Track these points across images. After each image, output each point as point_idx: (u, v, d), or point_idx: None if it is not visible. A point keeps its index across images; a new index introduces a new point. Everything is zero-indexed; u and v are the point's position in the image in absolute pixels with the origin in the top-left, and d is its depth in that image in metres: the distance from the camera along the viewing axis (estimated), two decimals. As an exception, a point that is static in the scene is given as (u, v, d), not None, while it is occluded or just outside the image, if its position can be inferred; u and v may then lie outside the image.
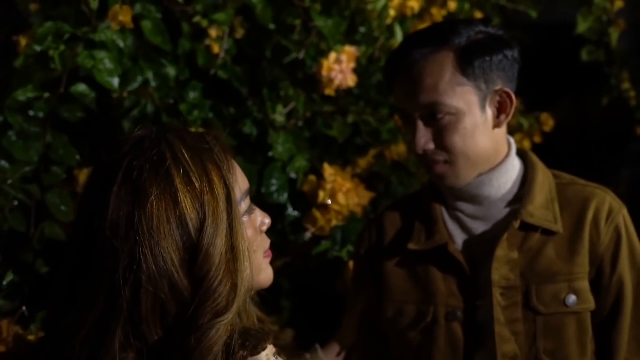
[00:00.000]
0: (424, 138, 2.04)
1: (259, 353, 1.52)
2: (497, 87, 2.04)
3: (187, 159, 1.47)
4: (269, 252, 1.62)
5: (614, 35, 3.75)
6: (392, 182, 3.11)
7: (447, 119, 2.01)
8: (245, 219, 1.55)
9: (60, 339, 1.50)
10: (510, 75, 2.07)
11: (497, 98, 2.05)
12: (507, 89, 2.05)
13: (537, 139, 3.58)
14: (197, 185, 1.46)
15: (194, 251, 1.45)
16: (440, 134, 2.03)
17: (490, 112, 2.05)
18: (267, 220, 1.60)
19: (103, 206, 1.45)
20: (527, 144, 3.56)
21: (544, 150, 2.33)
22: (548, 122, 3.58)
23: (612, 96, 3.94)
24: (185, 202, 1.44)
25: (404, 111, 2.09)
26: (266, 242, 1.61)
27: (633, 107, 3.98)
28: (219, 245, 1.46)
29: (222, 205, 1.48)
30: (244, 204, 1.56)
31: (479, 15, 3.49)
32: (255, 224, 1.59)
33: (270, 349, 1.54)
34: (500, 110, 2.06)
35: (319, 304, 3.03)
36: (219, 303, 1.45)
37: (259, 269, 1.59)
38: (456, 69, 2.01)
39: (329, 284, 2.86)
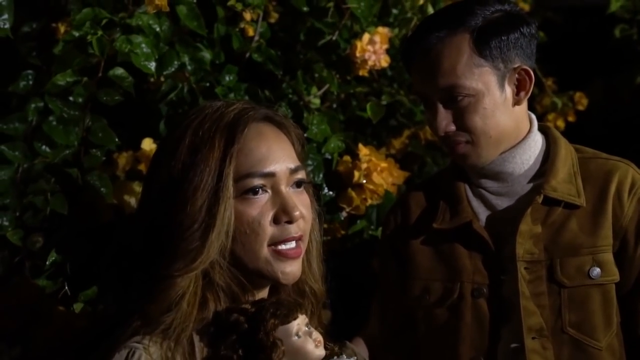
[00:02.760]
0: (445, 120, 2.06)
1: (289, 322, 1.56)
2: (515, 65, 2.06)
3: (207, 119, 1.62)
4: (284, 250, 1.62)
5: (648, 12, 3.75)
6: (427, 162, 3.13)
7: (466, 100, 2.04)
8: (249, 198, 1.59)
9: None
10: (528, 52, 2.08)
11: (516, 76, 2.07)
12: (526, 66, 2.07)
13: (571, 118, 3.58)
14: (196, 143, 1.59)
15: (174, 198, 1.58)
16: (461, 116, 2.05)
17: (509, 91, 2.07)
18: (293, 213, 1.60)
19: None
20: (561, 124, 3.57)
21: (575, 132, 2.34)
22: (581, 101, 3.58)
23: (644, 75, 3.93)
24: (181, 153, 1.59)
25: (424, 94, 2.11)
26: (277, 233, 1.61)
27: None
28: (197, 203, 1.55)
29: (212, 171, 1.56)
30: (256, 182, 1.59)
31: (510, -5, 3.49)
32: (265, 210, 1.60)
33: (302, 319, 1.58)
34: (519, 87, 2.08)
35: (355, 285, 3.04)
36: (183, 257, 1.54)
37: (256, 256, 1.61)
38: (473, 50, 2.03)
39: (365, 264, 2.88)
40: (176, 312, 1.53)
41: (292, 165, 1.63)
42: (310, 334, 1.58)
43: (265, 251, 1.61)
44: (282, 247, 1.62)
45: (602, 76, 4.68)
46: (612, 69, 4.53)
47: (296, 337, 1.56)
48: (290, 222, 1.61)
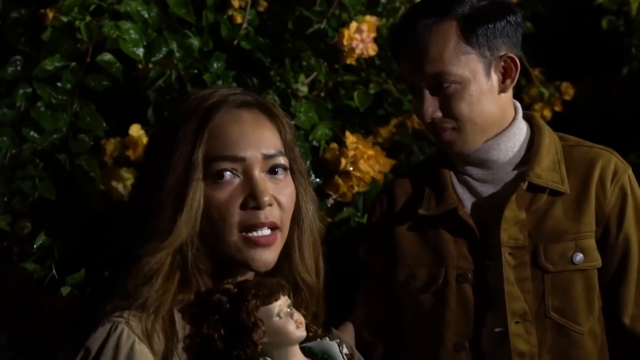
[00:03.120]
0: (432, 107, 2.08)
1: (270, 303, 1.57)
2: (502, 53, 2.08)
3: (186, 102, 1.65)
4: (254, 237, 1.60)
5: (634, 4, 3.76)
6: (414, 151, 3.15)
7: (452, 87, 2.06)
8: (217, 182, 1.58)
9: None
10: (515, 40, 2.11)
11: (502, 64, 2.09)
12: (512, 54, 2.09)
13: (558, 108, 3.61)
14: (169, 125, 1.64)
15: (145, 180, 1.63)
16: (447, 102, 2.07)
17: (495, 78, 2.09)
18: (261, 198, 1.58)
19: None
20: (547, 113, 3.59)
21: (566, 127, 2.36)
22: (568, 91, 3.61)
23: (631, 66, 3.95)
24: (157, 136, 1.68)
25: (411, 81, 2.13)
26: (246, 218, 1.59)
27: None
28: (167, 186, 1.57)
29: (181, 153, 1.57)
30: (224, 165, 1.58)
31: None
32: (234, 194, 1.59)
33: (283, 300, 1.59)
34: (505, 75, 2.11)
35: (342, 271, 3.06)
36: (152, 238, 1.55)
37: (226, 242, 1.60)
38: (460, 38, 2.05)
39: (352, 251, 2.89)
40: (150, 286, 1.54)
41: (268, 151, 1.61)
42: (291, 315, 1.58)
43: (234, 237, 1.59)
44: (253, 233, 1.60)
45: (591, 68, 4.71)
46: (601, 61, 4.56)
47: (277, 318, 1.57)
48: (257, 207, 1.59)
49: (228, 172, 1.59)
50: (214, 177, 1.58)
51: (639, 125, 4.79)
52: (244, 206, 1.58)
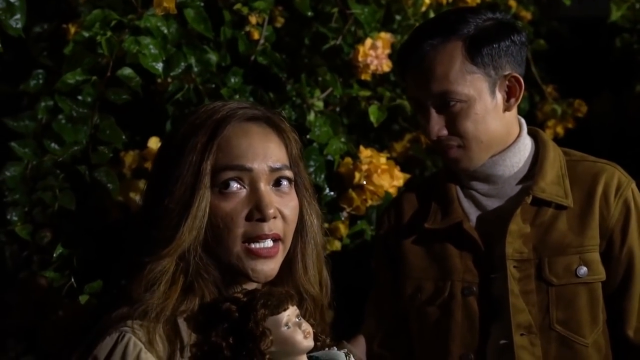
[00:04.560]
0: (438, 125, 2.12)
1: (279, 312, 1.59)
2: (506, 73, 2.11)
3: (197, 114, 1.68)
4: (256, 248, 1.63)
5: (648, 22, 3.80)
6: (427, 165, 3.18)
7: (458, 105, 2.09)
8: (223, 192, 1.62)
9: None
10: (519, 59, 2.14)
11: (506, 83, 2.12)
12: (516, 74, 2.12)
13: (571, 125, 3.63)
14: (180, 134, 1.66)
15: (155, 189, 1.67)
16: (453, 121, 2.11)
17: (499, 97, 2.12)
18: (266, 211, 1.61)
19: None
20: (560, 130, 3.61)
21: (582, 145, 2.38)
22: (581, 108, 3.63)
23: (645, 83, 3.98)
24: (169, 144, 1.69)
25: (417, 100, 2.16)
26: (250, 230, 1.62)
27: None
28: (178, 189, 1.60)
29: (190, 164, 1.61)
30: (230, 175, 1.62)
31: (513, 4, 3.55)
32: (240, 205, 1.62)
33: (292, 310, 1.61)
34: (509, 94, 2.13)
35: (356, 283, 3.09)
36: (157, 244, 1.59)
37: (228, 252, 1.63)
38: (465, 57, 2.08)
39: (366, 264, 2.92)
40: (152, 292, 1.57)
41: (274, 164, 1.64)
42: (299, 325, 1.60)
43: (237, 247, 1.62)
44: (255, 245, 1.62)
45: (605, 85, 4.72)
46: (615, 78, 4.57)
47: (285, 328, 1.59)
48: (262, 219, 1.61)
49: (235, 183, 1.62)
50: (221, 187, 1.61)
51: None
52: (249, 218, 1.62)
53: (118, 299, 1.62)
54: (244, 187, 1.63)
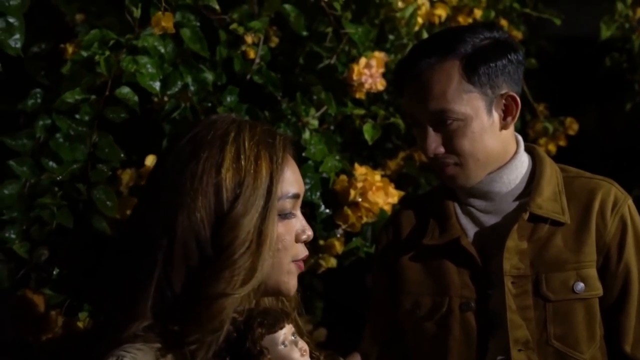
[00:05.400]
0: (434, 143, 2.14)
1: (276, 331, 1.61)
2: (503, 92, 2.13)
3: (245, 140, 1.62)
4: (301, 264, 1.70)
5: (637, 41, 3.84)
6: (421, 183, 3.21)
7: (455, 124, 2.11)
8: (283, 218, 1.65)
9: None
10: (516, 78, 2.15)
11: (503, 101, 2.14)
12: (512, 93, 2.14)
13: (562, 143, 3.67)
14: (243, 164, 1.60)
15: (223, 219, 1.58)
16: (450, 139, 2.12)
17: (496, 116, 2.14)
18: (309, 232, 1.69)
19: (164, 159, 1.65)
20: (552, 148, 3.65)
21: (570, 159, 2.41)
22: (572, 126, 3.66)
23: (635, 102, 4.01)
24: (227, 174, 1.59)
25: (415, 117, 2.18)
26: (299, 251, 1.69)
27: (655, 112, 4.06)
28: (246, 223, 1.58)
29: (261, 192, 1.60)
30: (287, 204, 1.65)
31: (504, 23, 3.59)
32: (292, 228, 1.68)
33: (288, 328, 1.63)
34: (506, 113, 2.15)
35: (351, 300, 3.10)
36: (236, 276, 1.56)
37: (281, 270, 1.66)
38: (462, 76, 2.10)
39: (361, 280, 2.94)
40: (213, 332, 1.57)
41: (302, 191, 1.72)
42: (296, 343, 1.62)
43: (289, 265, 1.68)
44: (299, 262, 1.70)
45: (595, 103, 4.77)
46: (605, 96, 4.62)
47: (282, 346, 1.61)
48: (306, 240, 1.70)
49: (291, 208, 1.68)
50: (280, 212, 1.65)
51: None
52: (297, 239, 1.68)
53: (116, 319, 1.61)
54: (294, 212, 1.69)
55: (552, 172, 2.20)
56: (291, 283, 1.69)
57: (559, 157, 2.93)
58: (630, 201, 2.19)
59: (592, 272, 2.13)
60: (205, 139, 1.62)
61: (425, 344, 2.22)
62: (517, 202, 2.19)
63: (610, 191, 2.17)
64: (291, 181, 1.67)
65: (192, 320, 1.56)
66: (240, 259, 1.57)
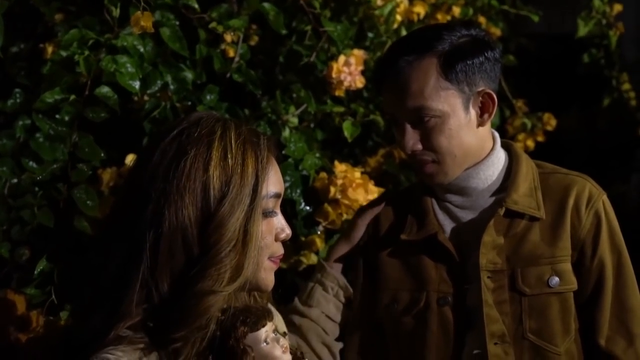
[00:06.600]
0: (412, 140, 2.15)
1: (258, 329, 1.64)
2: (480, 89, 2.15)
3: (232, 139, 1.64)
4: (277, 261, 1.74)
5: (614, 38, 3.87)
6: (401, 180, 3.22)
7: (432, 121, 2.12)
8: (265, 216, 1.69)
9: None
10: (492, 76, 2.17)
11: (480, 99, 2.16)
12: (489, 90, 2.16)
13: (540, 138, 3.69)
14: (230, 163, 1.62)
15: (209, 217, 1.60)
16: (427, 136, 2.14)
17: (473, 113, 2.16)
18: (288, 231, 1.74)
19: (149, 156, 1.64)
20: (530, 143, 3.67)
21: (554, 160, 2.43)
22: (550, 122, 3.69)
23: (612, 97, 4.04)
24: (214, 172, 1.61)
25: (393, 115, 2.20)
26: (277, 249, 1.74)
27: (633, 108, 4.09)
28: (233, 222, 1.60)
29: (247, 191, 1.63)
30: (270, 203, 1.69)
31: (482, 20, 3.61)
32: (273, 227, 1.71)
33: (269, 326, 1.67)
34: (482, 110, 2.17)
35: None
36: (222, 274, 1.59)
37: (260, 267, 1.70)
38: (440, 74, 2.11)
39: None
40: (199, 329, 1.60)
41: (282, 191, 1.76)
42: (277, 340, 1.65)
43: (266, 262, 1.71)
44: (275, 260, 1.74)
45: (574, 100, 4.79)
46: (584, 92, 4.65)
47: (265, 344, 1.63)
48: (285, 239, 1.74)
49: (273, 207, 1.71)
50: (267, 212, 1.69)
51: (621, 155, 4.87)
52: (276, 238, 1.73)
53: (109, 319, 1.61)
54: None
55: (528, 168, 2.22)
56: (269, 279, 1.72)
57: (543, 155, 2.96)
58: (605, 197, 2.20)
59: (567, 266, 2.15)
60: (192, 136, 1.64)
61: (404, 339, 2.24)
62: (493, 198, 2.21)
63: (585, 187, 2.19)
64: (274, 181, 1.70)
65: (179, 318, 1.57)
66: (227, 257, 1.59)
